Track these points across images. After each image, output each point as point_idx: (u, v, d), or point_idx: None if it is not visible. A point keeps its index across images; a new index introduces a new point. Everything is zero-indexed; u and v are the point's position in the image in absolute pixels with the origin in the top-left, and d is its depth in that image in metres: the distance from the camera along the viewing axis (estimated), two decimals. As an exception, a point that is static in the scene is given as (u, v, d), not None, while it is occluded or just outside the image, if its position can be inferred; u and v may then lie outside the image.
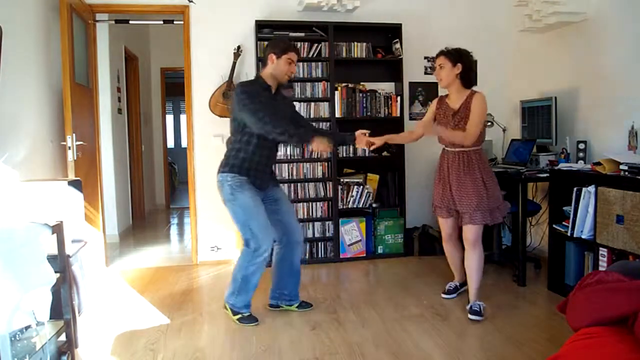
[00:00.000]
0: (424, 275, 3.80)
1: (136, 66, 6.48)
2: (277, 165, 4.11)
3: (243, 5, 4.19)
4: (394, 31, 4.30)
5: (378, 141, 3.05)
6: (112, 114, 5.12)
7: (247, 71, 4.20)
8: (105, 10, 4.20)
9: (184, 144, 11.15)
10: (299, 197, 4.17)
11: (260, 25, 4.07)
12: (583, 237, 3.05)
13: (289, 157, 4.14)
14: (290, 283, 3.07)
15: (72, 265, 2.70)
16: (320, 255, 4.23)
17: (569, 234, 3.15)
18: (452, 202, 2.98)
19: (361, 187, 4.22)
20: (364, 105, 4.25)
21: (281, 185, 4.07)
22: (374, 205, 4.26)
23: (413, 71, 4.48)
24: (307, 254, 4.22)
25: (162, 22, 4.55)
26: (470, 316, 2.88)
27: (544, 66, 4.18)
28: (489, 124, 3.92)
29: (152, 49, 7.37)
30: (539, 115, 3.96)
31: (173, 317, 3.03)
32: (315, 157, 4.17)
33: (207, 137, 4.19)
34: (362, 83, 4.35)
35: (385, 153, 4.32)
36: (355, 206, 4.22)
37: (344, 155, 4.27)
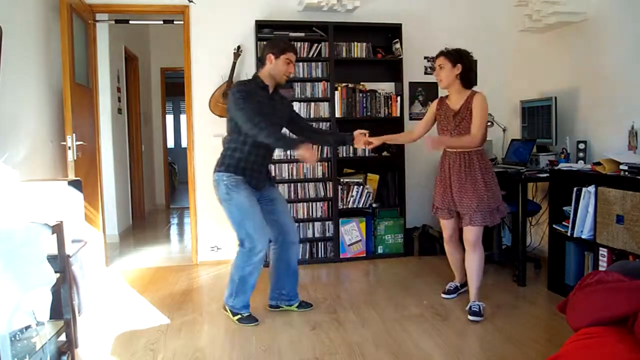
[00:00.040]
0: (424, 275, 3.80)
1: (136, 66, 6.48)
2: (277, 165, 4.12)
3: (243, 5, 4.19)
4: (394, 31, 4.30)
5: (376, 141, 3.07)
6: (112, 114, 5.12)
7: (247, 71, 4.20)
8: (105, 10, 4.20)
9: (184, 144, 11.15)
10: (299, 197, 4.17)
11: (260, 25, 4.07)
12: (583, 237, 3.05)
13: (289, 157, 4.14)
14: (288, 283, 3.07)
15: (72, 265, 2.70)
16: (320, 255, 4.23)
17: (569, 234, 3.15)
18: (453, 203, 2.98)
19: (361, 187, 4.22)
20: (364, 105, 4.25)
21: (281, 185, 4.12)
22: (374, 205, 4.26)
23: (413, 71, 4.48)
24: (307, 254, 4.22)
25: (162, 22, 4.55)
26: (470, 317, 2.88)
27: (544, 66, 4.18)
28: (489, 124, 3.91)
29: (152, 49, 7.37)
30: (539, 115, 3.96)
31: (173, 317, 3.03)
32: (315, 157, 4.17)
33: (207, 137, 4.18)
34: (362, 83, 4.35)
35: (385, 153, 4.34)
36: (355, 206, 4.22)
37: (344, 155, 4.27)
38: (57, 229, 2.32)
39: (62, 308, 2.37)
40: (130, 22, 4.70)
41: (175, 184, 9.48)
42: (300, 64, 4.14)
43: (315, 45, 4.15)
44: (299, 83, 4.16)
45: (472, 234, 2.91)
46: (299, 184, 4.16)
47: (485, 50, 4.47)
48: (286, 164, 4.15)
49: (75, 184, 2.92)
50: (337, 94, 4.17)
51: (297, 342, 2.64)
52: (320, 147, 4.14)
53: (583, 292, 1.72)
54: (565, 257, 3.35)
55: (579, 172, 3.17)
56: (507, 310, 3.02)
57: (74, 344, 2.45)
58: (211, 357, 2.50)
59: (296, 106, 4.10)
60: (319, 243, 4.22)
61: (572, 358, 1.52)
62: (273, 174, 3.83)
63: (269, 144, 2.77)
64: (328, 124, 4.17)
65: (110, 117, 5.07)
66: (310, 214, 4.21)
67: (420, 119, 3.29)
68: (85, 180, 3.55)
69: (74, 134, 3.50)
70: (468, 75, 2.93)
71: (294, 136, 3.12)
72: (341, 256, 4.23)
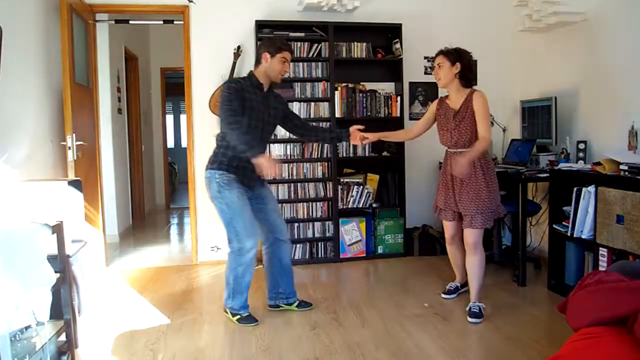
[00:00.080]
0: (424, 275, 3.80)
1: (136, 66, 6.48)
2: (276, 165, 4.11)
3: (243, 5, 4.19)
4: (394, 31, 4.30)
5: (372, 137, 3.07)
6: (112, 114, 5.12)
7: (247, 71, 4.18)
8: (105, 10, 4.20)
9: (184, 144, 11.15)
10: (299, 197, 4.16)
11: (260, 25, 4.07)
12: (583, 237, 3.05)
13: (289, 157, 4.15)
14: (284, 281, 3.07)
15: (72, 265, 2.70)
16: (320, 255, 4.23)
17: (569, 234, 3.15)
18: (455, 204, 2.98)
19: (361, 187, 4.22)
20: (364, 105, 4.25)
21: (281, 185, 4.12)
22: (374, 205, 4.26)
23: (413, 71, 4.48)
24: (307, 254, 4.21)
25: (162, 22, 4.54)
26: (469, 319, 2.87)
27: (544, 66, 4.18)
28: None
29: (152, 49, 7.37)
30: (539, 115, 3.96)
31: (173, 317, 3.03)
32: (316, 157, 4.17)
33: (207, 137, 4.17)
34: (362, 83, 4.35)
35: (385, 153, 4.34)
36: (355, 206, 4.22)
37: (344, 155, 4.27)
38: (57, 229, 2.32)
39: (62, 308, 2.37)
40: (130, 22, 4.70)
41: (175, 184, 9.49)
42: (300, 64, 4.14)
43: (315, 45, 4.15)
44: (299, 83, 4.16)
45: (472, 236, 2.91)
46: (299, 184, 4.16)
47: (485, 50, 4.47)
48: (286, 164, 4.15)
49: (75, 184, 2.92)
50: (337, 94, 4.17)
51: (297, 342, 2.64)
52: (319, 145, 4.15)
53: (583, 292, 1.72)
54: (565, 257, 3.35)
55: (579, 172, 3.17)
56: (507, 310, 3.02)
57: (74, 344, 2.45)
58: (211, 357, 2.50)
59: (296, 106, 4.11)
60: (319, 243, 4.22)
61: (572, 358, 1.52)
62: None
63: (234, 146, 2.73)
64: (328, 124, 4.16)
65: (110, 117, 5.07)
66: (310, 214, 4.21)
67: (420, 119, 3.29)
68: (85, 180, 3.55)
69: (74, 134, 3.50)
70: (467, 74, 2.92)
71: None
72: (341, 256, 4.22)
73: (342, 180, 4.26)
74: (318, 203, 4.21)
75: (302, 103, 4.13)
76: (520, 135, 4.19)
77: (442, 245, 4.02)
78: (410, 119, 4.49)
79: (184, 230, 6.00)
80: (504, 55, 4.60)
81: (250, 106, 2.77)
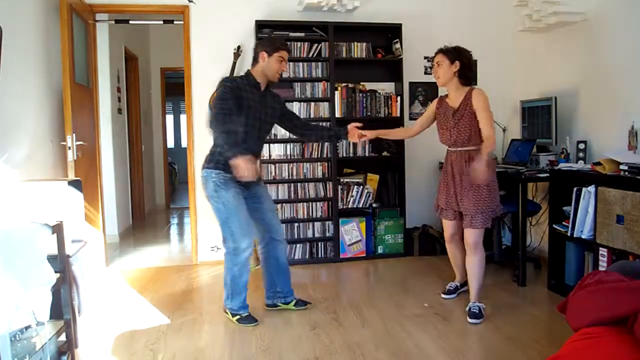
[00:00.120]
0: (424, 275, 3.80)
1: (136, 66, 6.48)
2: (277, 165, 4.12)
3: (243, 5, 4.19)
4: (394, 31, 4.30)
5: (370, 134, 3.07)
6: (112, 114, 5.12)
7: (247, 71, 4.20)
8: (105, 10, 4.20)
9: (184, 144, 11.15)
10: (299, 197, 4.16)
11: (260, 25, 4.07)
12: (583, 237, 3.05)
13: (288, 157, 4.14)
14: (281, 280, 3.07)
15: (72, 265, 2.70)
16: (320, 255, 4.23)
17: (569, 234, 3.15)
18: (456, 203, 2.98)
19: (361, 187, 4.22)
20: (364, 105, 4.25)
21: (281, 185, 4.12)
22: (374, 205, 4.26)
23: (413, 71, 4.47)
24: (307, 254, 4.22)
25: (162, 22, 4.54)
26: (469, 319, 2.87)
27: (544, 66, 4.18)
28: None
29: (152, 49, 7.37)
30: (539, 115, 3.96)
31: (173, 317, 3.03)
32: (316, 157, 4.17)
33: (207, 137, 4.15)
34: (362, 83, 4.35)
35: (385, 153, 4.34)
36: (355, 206, 4.22)
37: (344, 155, 4.27)
38: (57, 229, 2.32)
39: (62, 308, 2.37)
40: (130, 22, 4.70)
41: (175, 184, 9.49)
42: (300, 64, 4.14)
43: (315, 45, 4.15)
44: (298, 83, 4.16)
45: (472, 236, 2.91)
46: (299, 184, 4.16)
47: (485, 50, 4.47)
48: (286, 164, 4.15)
49: (75, 184, 2.92)
50: (337, 94, 4.17)
51: (297, 342, 2.64)
52: (319, 145, 4.15)
53: (583, 292, 1.72)
54: (565, 257, 3.35)
55: (579, 172, 3.17)
56: (507, 310, 3.02)
57: (74, 344, 2.45)
58: (211, 357, 2.50)
59: (296, 106, 4.11)
60: (319, 243, 4.22)
61: (572, 358, 1.52)
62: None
63: (217, 145, 2.75)
64: (328, 124, 4.16)
65: (110, 117, 5.07)
66: (310, 214, 4.21)
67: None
68: (85, 180, 3.55)
69: (74, 134, 3.50)
70: (466, 73, 2.92)
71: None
72: (341, 256, 4.22)
73: (342, 180, 4.26)
74: (318, 203, 4.21)
75: (302, 103, 4.13)
76: (520, 135, 4.19)
77: (442, 245, 4.02)
78: (410, 119, 4.49)
79: (184, 230, 6.01)
80: (504, 55, 4.60)
81: (247, 105, 2.77)
